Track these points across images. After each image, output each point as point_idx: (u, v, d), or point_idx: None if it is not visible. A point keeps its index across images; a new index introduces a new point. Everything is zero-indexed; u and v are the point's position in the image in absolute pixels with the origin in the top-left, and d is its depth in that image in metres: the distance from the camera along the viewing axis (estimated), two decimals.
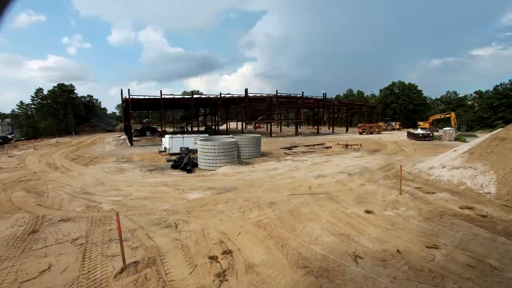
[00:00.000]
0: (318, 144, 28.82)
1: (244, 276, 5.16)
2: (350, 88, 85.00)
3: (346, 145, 26.44)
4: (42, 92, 51.85)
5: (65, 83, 55.01)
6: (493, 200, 9.10)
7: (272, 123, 48.38)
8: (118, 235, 5.60)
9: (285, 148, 26.27)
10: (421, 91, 62.79)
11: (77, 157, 22.48)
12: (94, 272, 5.38)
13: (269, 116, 52.10)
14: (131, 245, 6.49)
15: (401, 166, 11.30)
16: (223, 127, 57.69)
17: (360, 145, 27.12)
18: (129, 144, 32.01)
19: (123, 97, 34.08)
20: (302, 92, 43.21)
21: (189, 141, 23.14)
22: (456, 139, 30.50)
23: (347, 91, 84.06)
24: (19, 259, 5.94)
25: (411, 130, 37.07)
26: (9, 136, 41.51)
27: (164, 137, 24.55)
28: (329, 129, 53.41)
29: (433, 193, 10.22)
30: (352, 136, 40.70)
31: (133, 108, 38.31)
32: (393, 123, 54.74)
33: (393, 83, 65.92)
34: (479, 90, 60.37)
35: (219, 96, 38.93)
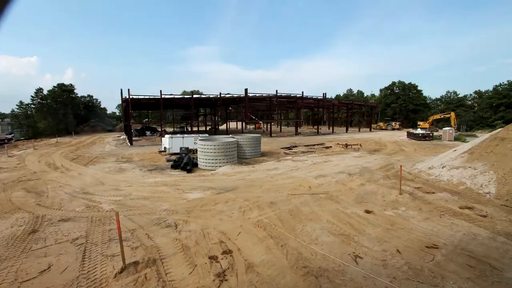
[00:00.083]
0: (318, 144, 28.82)
1: (244, 276, 5.16)
2: (350, 88, 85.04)
3: (346, 145, 26.46)
4: (42, 92, 51.82)
5: (64, 83, 55.01)
6: (493, 200, 9.11)
7: (272, 123, 48.40)
8: (118, 235, 5.60)
9: (285, 148, 26.27)
10: (421, 91, 62.92)
11: (77, 157, 22.47)
12: (94, 272, 5.38)
13: (269, 116, 52.11)
14: (131, 245, 6.49)
15: (401, 166, 11.31)
16: (223, 127, 57.71)
17: (360, 145, 27.14)
18: (129, 144, 32.00)
19: (123, 97, 34.09)
20: (302, 92, 43.26)
21: (189, 141, 23.14)
22: (456, 139, 30.53)
23: (347, 90, 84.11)
24: (19, 259, 5.94)
25: (411, 130, 37.09)
26: (9, 136, 41.50)
27: (164, 137, 24.55)
28: (329, 129, 53.44)
29: (433, 193, 10.23)
30: (352, 136, 40.75)
31: (133, 108, 38.33)
32: (393, 123, 54.82)
33: (393, 83, 65.95)
34: (478, 90, 60.45)
35: (219, 96, 38.92)
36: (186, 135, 25.08)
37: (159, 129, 42.49)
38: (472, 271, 5.15)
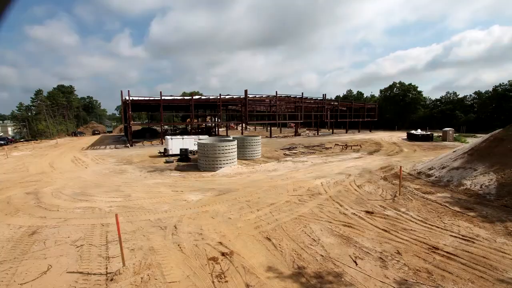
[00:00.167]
0: (317, 145, 28.82)
1: (243, 277, 5.14)
2: (350, 89, 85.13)
3: (346, 146, 26.45)
4: (41, 94, 51.89)
5: (64, 84, 55.12)
6: (493, 200, 9.10)
7: (272, 124, 48.36)
8: (118, 237, 5.59)
9: (285, 149, 26.27)
10: (421, 91, 62.99)
11: (76, 159, 22.47)
12: (93, 274, 5.37)
13: (269, 117, 52.04)
14: (130, 246, 6.47)
15: (400, 166, 11.30)
16: (223, 128, 57.70)
17: (360, 145, 27.14)
18: (129, 146, 32.02)
19: (123, 98, 34.09)
20: (302, 93, 43.36)
21: (189, 142, 23.15)
22: (455, 139, 30.54)
23: (347, 91, 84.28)
24: (18, 261, 5.92)
25: (411, 131, 37.11)
26: (9, 138, 41.48)
27: (164, 138, 24.55)
28: (328, 130, 53.45)
29: (433, 193, 10.22)
30: (352, 137, 40.77)
31: (133, 109, 38.31)
32: None
33: (393, 84, 66.06)
34: (478, 90, 60.47)
35: (218, 97, 38.93)
36: (186, 136, 25.09)
37: (159, 131, 42.46)
38: (472, 272, 5.14)
